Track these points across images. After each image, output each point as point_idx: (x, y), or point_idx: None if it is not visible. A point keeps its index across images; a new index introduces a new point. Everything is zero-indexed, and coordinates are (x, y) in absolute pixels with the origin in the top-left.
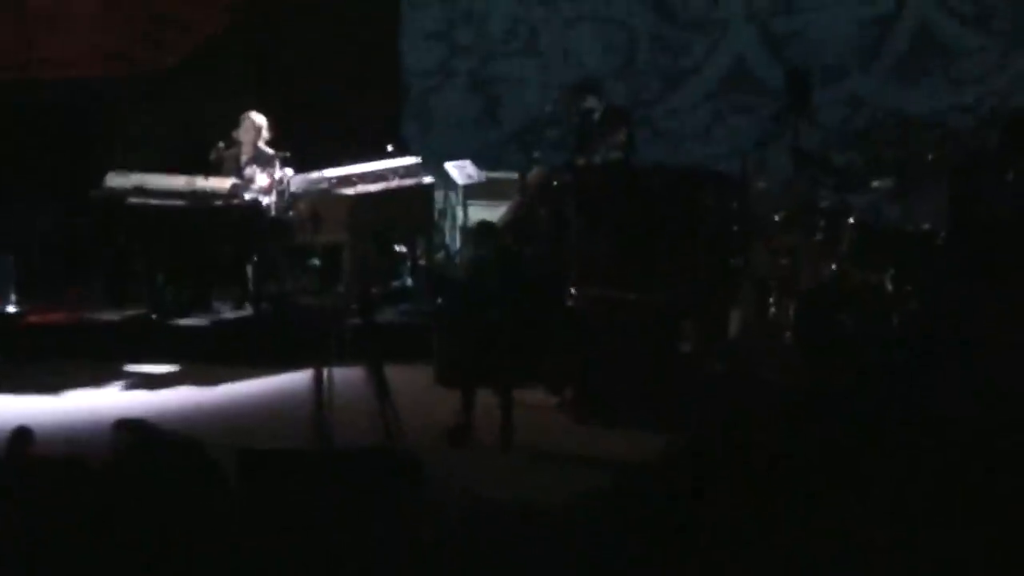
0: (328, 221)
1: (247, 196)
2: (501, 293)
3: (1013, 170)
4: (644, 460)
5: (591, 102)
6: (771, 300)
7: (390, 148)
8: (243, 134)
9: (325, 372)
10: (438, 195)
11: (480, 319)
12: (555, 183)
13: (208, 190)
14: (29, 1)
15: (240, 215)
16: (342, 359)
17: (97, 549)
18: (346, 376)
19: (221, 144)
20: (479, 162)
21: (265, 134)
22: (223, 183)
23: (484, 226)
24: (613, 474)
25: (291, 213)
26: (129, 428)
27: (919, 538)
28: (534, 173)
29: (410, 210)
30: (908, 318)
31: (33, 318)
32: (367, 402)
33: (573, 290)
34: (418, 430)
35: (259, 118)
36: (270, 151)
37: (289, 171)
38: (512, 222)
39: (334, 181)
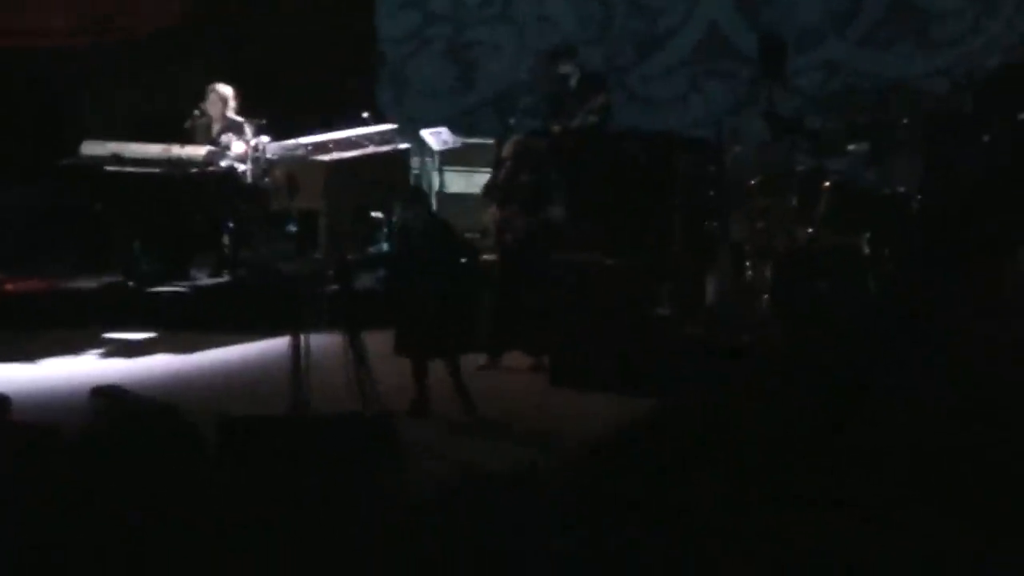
0: (304, 188)
1: (223, 163)
2: (427, 261)
3: (988, 132)
4: (621, 425)
5: (566, 67)
6: (748, 264)
7: (366, 115)
8: (210, 106)
9: (302, 338)
10: (414, 161)
11: (408, 288)
12: (532, 149)
13: (184, 158)
14: None
15: (216, 182)
16: (319, 325)
17: (74, 515)
18: (323, 342)
19: (196, 112)
20: (455, 128)
21: (232, 103)
22: (198, 151)
23: (411, 192)
24: (590, 438)
25: (267, 180)
26: (106, 395)
27: (896, 504)
28: (512, 140)
29: (386, 176)
30: (884, 281)
31: (9, 286)
32: (344, 368)
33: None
34: (394, 396)
35: (225, 88)
36: (240, 119)
37: (265, 138)
38: (491, 187)
39: (310, 148)
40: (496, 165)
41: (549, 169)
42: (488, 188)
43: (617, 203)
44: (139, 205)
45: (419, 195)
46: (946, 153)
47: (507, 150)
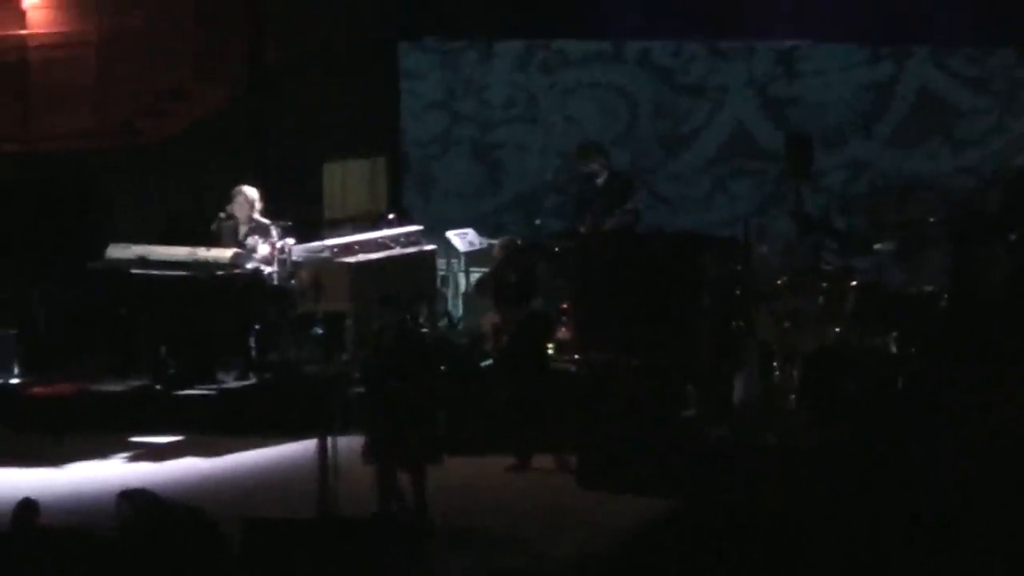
0: (330, 289)
1: (249, 266)
2: (398, 367)
3: (1014, 231)
4: (648, 525)
5: (594, 165)
6: (775, 364)
7: (391, 216)
8: (237, 208)
9: (329, 440)
10: (440, 262)
11: (378, 393)
12: (520, 246)
13: (210, 260)
14: (31, 74)
15: (242, 285)
16: (346, 428)
17: None
18: (350, 444)
19: (222, 215)
20: (481, 229)
21: (258, 205)
22: (224, 253)
23: (386, 298)
24: (618, 539)
25: (293, 282)
26: (133, 499)
27: None
28: (502, 239)
29: (412, 278)
30: (912, 380)
31: (37, 390)
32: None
33: (576, 355)
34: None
35: (251, 191)
36: (266, 221)
37: (290, 240)
38: (480, 283)
39: (336, 250)
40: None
41: (534, 266)
42: (478, 284)
43: (643, 303)
44: (165, 308)
45: (389, 301)
46: (973, 252)
47: (498, 247)
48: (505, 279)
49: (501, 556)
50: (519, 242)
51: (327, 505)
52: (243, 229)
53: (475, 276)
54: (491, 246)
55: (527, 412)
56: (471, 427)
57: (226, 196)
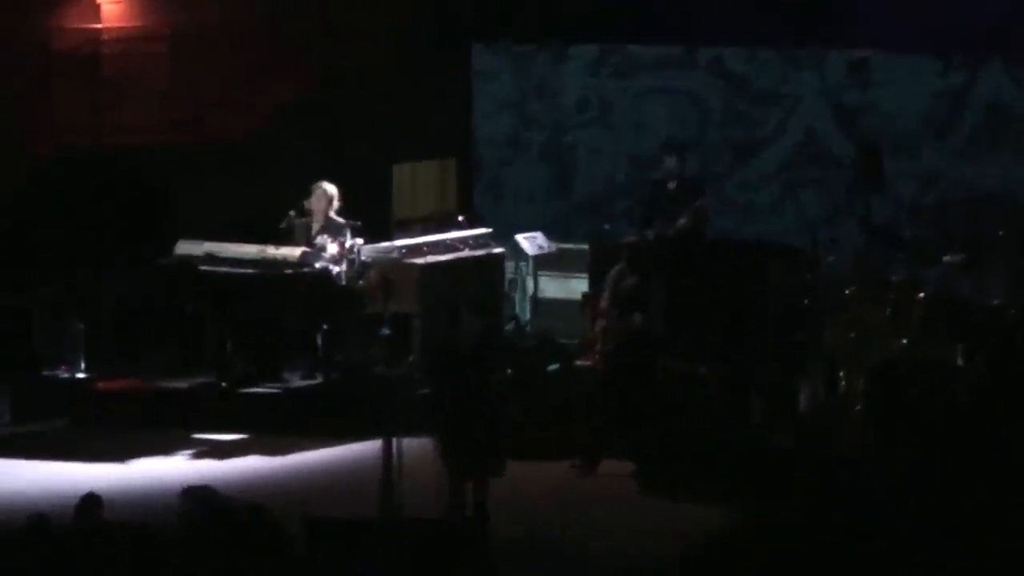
0: (398, 290)
1: (317, 265)
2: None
3: None
4: (711, 534)
5: (672, 163)
6: (841, 375)
7: (461, 218)
8: (315, 203)
9: (394, 443)
10: (508, 265)
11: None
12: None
13: (279, 258)
14: (101, 70)
15: (310, 283)
16: (412, 430)
17: None
18: (416, 447)
19: (292, 212)
20: (550, 233)
21: (336, 203)
22: (293, 251)
23: (472, 304)
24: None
25: (361, 282)
26: (196, 496)
27: None
28: (624, 243)
29: (481, 280)
30: (979, 393)
31: (102, 385)
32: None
33: None
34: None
35: (331, 187)
36: (341, 220)
37: (360, 240)
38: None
39: (404, 251)
40: (591, 269)
41: (653, 274)
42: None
43: (711, 311)
44: (233, 305)
45: (479, 306)
46: None
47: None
48: (623, 287)
49: (560, 564)
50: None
51: (390, 507)
52: (316, 226)
53: (544, 280)
54: (560, 249)
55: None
56: (537, 431)
57: (296, 194)
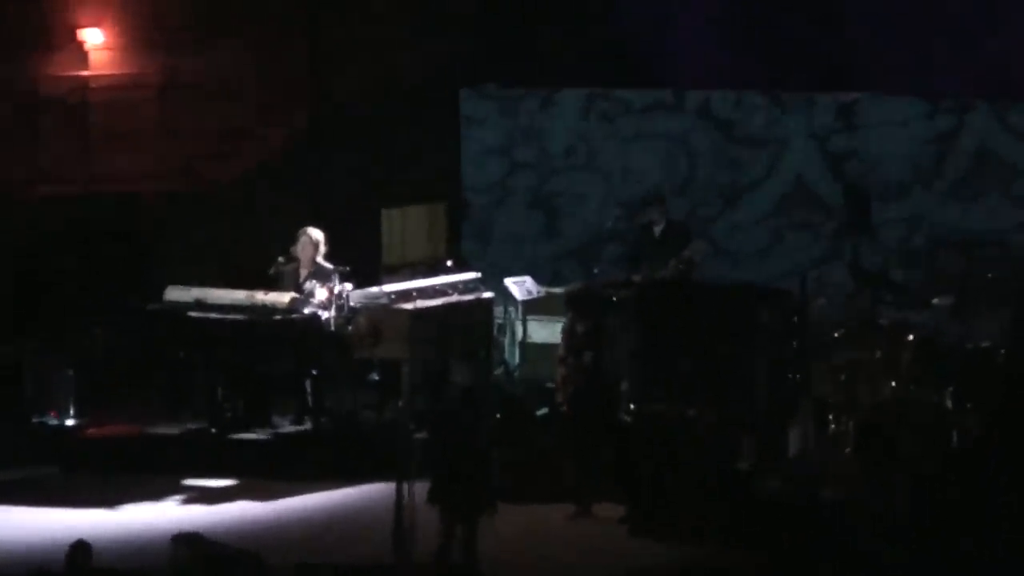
0: (387, 336)
1: (306, 310)
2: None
3: None
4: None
5: (654, 213)
6: (831, 417)
7: (450, 263)
8: (301, 250)
9: (405, 486)
10: (498, 310)
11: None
12: (582, 297)
13: (267, 304)
14: (92, 116)
15: (299, 329)
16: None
17: None
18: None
19: (281, 259)
20: (539, 277)
21: (323, 249)
22: (282, 297)
23: (465, 353)
24: None
25: (350, 328)
26: (186, 542)
27: None
28: (565, 290)
29: (470, 325)
30: (968, 436)
31: (92, 431)
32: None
33: (632, 405)
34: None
35: (317, 233)
36: (329, 266)
37: (348, 285)
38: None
39: (393, 296)
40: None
41: (602, 315)
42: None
43: (700, 354)
44: (222, 351)
45: (472, 356)
46: None
47: (566, 296)
48: (573, 328)
49: None
50: (586, 291)
51: (405, 551)
52: (304, 272)
53: (532, 324)
54: (549, 294)
55: (588, 461)
56: (527, 475)
57: (284, 240)
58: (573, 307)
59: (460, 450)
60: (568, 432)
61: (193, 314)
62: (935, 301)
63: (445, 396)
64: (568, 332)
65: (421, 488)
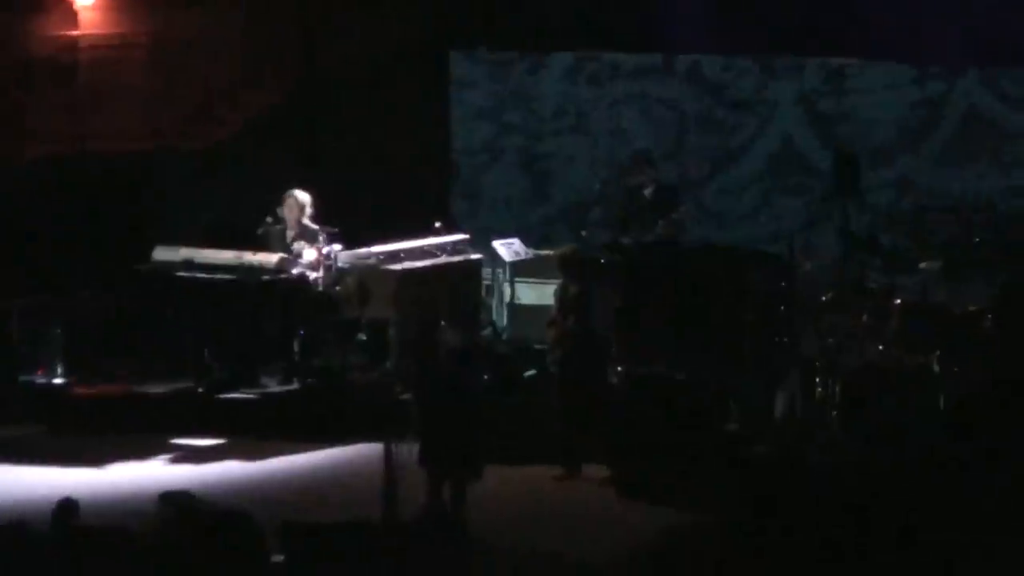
0: (375, 297)
1: (294, 271)
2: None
3: None
4: (685, 537)
5: (643, 177)
6: (817, 380)
7: (438, 225)
8: (287, 212)
9: (392, 446)
10: (485, 272)
11: (439, 403)
12: (574, 259)
13: (256, 264)
14: (79, 75)
15: (287, 289)
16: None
17: None
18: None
19: (269, 219)
20: (527, 240)
21: (309, 210)
22: (270, 258)
23: (454, 316)
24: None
25: (338, 288)
26: (174, 500)
27: None
28: (557, 252)
29: (457, 287)
30: (954, 401)
31: (80, 390)
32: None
33: (619, 367)
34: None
35: (302, 195)
36: (315, 227)
37: (337, 246)
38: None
39: (382, 257)
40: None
41: (594, 278)
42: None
43: (687, 317)
44: (210, 311)
45: (462, 318)
46: (1019, 272)
47: (557, 258)
48: (566, 291)
49: (535, 566)
50: (578, 254)
51: (392, 511)
52: (291, 234)
53: (521, 287)
54: (537, 256)
55: (577, 423)
56: (515, 437)
57: (274, 200)
58: (565, 270)
59: (450, 411)
60: (557, 393)
61: (182, 274)
62: (923, 265)
63: (435, 357)
64: (560, 294)
65: (408, 448)
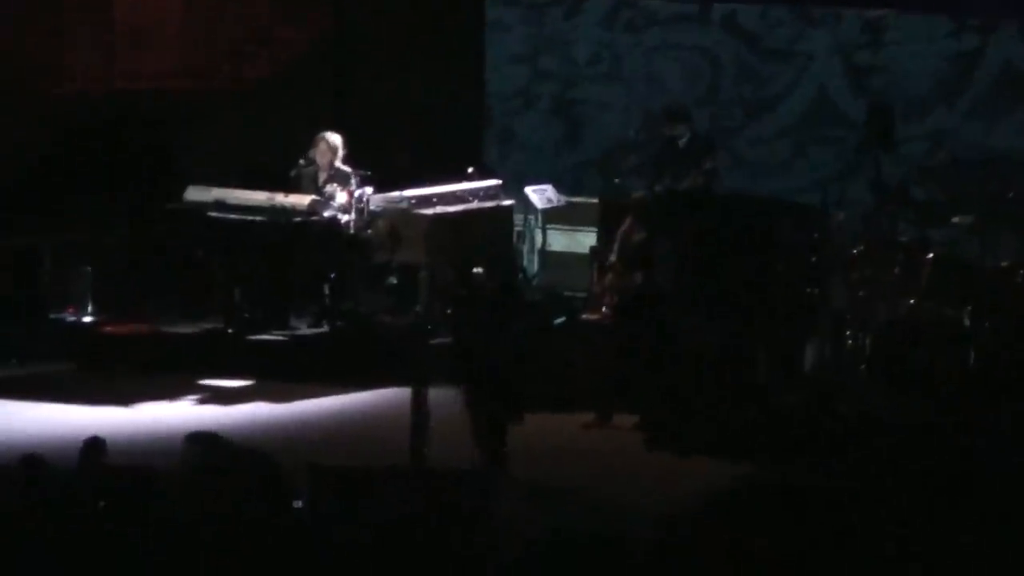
0: (406, 241)
1: (326, 213)
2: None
3: None
4: (716, 489)
5: (678, 128)
6: (848, 333)
7: (471, 170)
8: (319, 155)
9: (420, 391)
10: (517, 218)
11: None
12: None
13: (287, 206)
14: (115, 14)
15: (318, 232)
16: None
17: (165, 561)
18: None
19: (302, 161)
20: (560, 186)
21: (341, 153)
22: (302, 200)
23: (495, 258)
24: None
25: (369, 231)
26: (200, 441)
27: None
28: (633, 197)
29: (489, 232)
30: (985, 354)
31: (110, 328)
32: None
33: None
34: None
35: (334, 138)
36: (348, 169)
37: (369, 189)
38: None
39: (413, 201)
40: (600, 223)
41: (662, 230)
42: (597, 249)
43: (719, 267)
44: (241, 252)
45: (502, 261)
46: None
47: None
48: (633, 241)
49: (570, 515)
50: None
51: (420, 455)
52: (323, 176)
53: (552, 233)
54: (569, 203)
55: (612, 372)
56: (546, 383)
57: (307, 142)
58: (643, 218)
59: (492, 354)
60: (601, 339)
61: (213, 214)
62: (955, 219)
63: (471, 301)
64: (623, 239)
65: (437, 393)
